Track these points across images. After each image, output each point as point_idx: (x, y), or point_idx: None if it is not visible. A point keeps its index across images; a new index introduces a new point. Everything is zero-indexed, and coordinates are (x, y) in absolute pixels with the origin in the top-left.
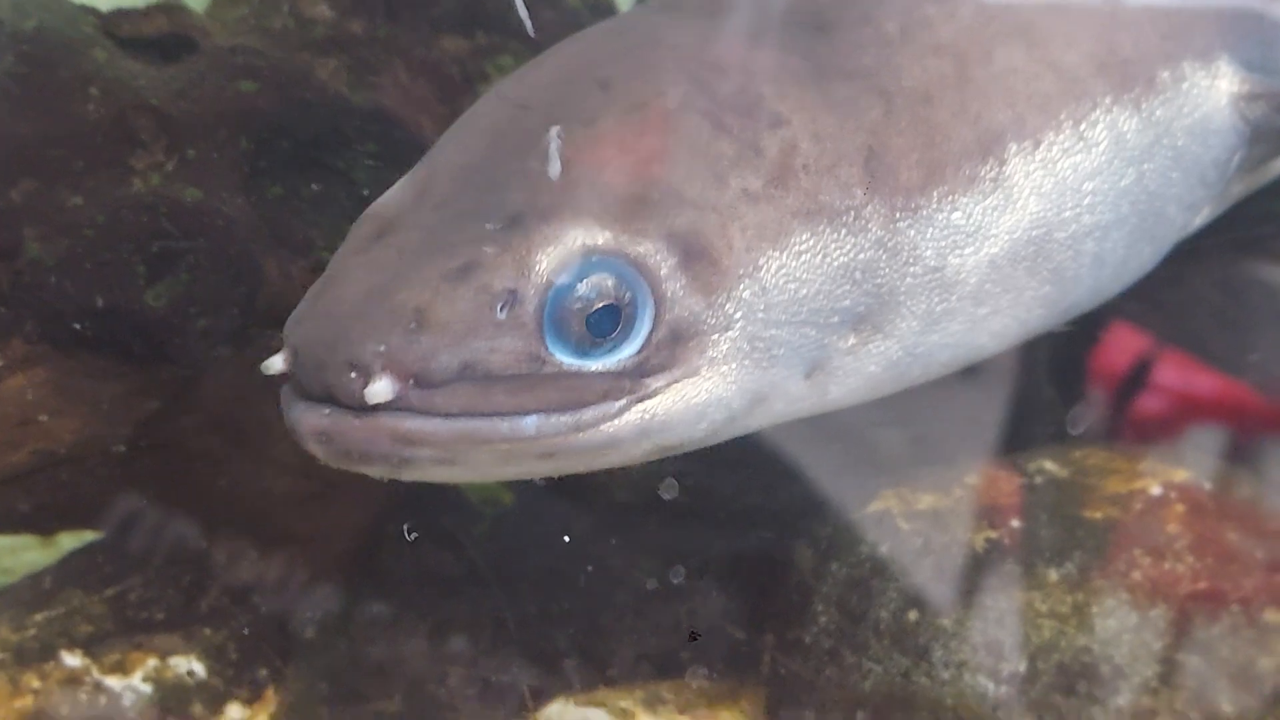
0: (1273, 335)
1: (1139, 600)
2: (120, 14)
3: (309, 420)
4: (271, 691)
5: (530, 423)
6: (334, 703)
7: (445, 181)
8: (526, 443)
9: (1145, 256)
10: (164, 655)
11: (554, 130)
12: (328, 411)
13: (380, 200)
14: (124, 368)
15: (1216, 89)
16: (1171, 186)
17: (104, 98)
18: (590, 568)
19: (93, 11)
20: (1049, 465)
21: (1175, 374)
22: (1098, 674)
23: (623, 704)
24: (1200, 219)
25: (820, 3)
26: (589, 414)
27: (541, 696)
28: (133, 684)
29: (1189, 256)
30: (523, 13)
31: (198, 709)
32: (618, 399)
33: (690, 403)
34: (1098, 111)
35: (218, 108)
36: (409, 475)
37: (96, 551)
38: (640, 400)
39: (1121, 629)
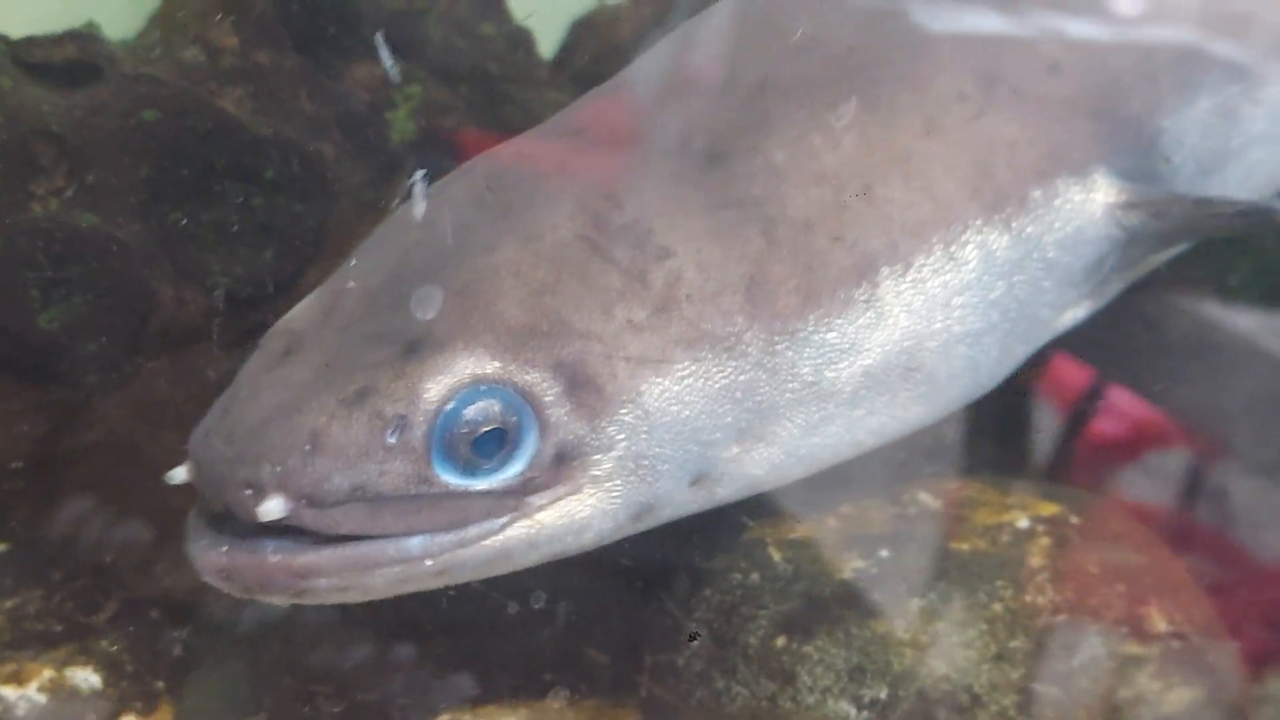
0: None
1: (997, 631)
2: (31, 41)
3: (209, 559)
4: (166, 704)
5: (416, 543)
6: (219, 717)
7: (352, 301)
8: (414, 563)
9: (1019, 354)
10: (60, 666)
11: (420, 173)
12: (225, 549)
13: (289, 315)
14: (18, 387)
15: (1092, 201)
16: (1043, 294)
17: (6, 123)
18: (470, 593)
19: (1, 38)
20: (923, 496)
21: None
22: (956, 702)
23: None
24: (1082, 312)
25: (715, 132)
26: (472, 531)
27: (417, 714)
28: (28, 694)
29: None
30: (386, 61)
31: (92, 719)
32: (501, 516)
33: (575, 518)
34: (969, 233)
35: (119, 135)
36: (310, 602)
37: None
38: (525, 516)
39: (981, 659)
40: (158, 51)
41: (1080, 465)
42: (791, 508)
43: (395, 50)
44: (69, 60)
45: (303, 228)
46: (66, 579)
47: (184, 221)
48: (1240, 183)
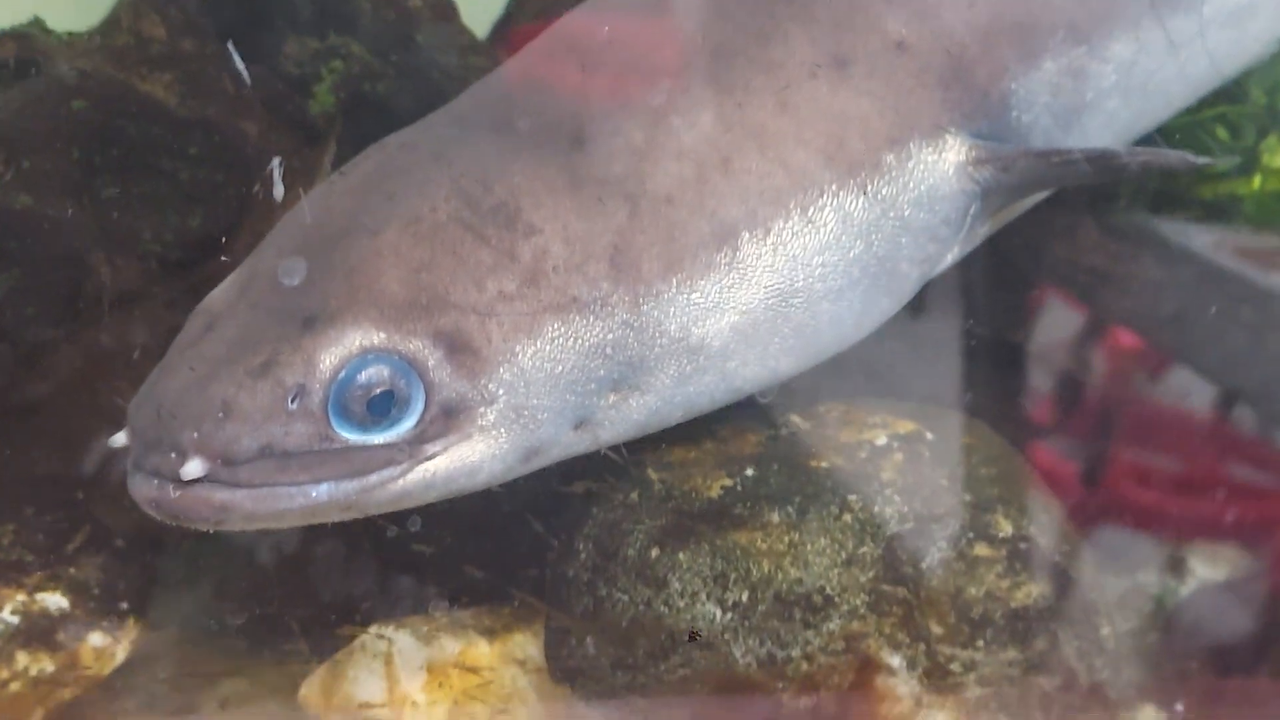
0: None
1: (847, 540)
2: None
3: (143, 491)
4: (132, 621)
5: (323, 490)
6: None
7: (261, 281)
8: (322, 506)
9: (884, 307)
10: (32, 591)
11: (275, 161)
12: (156, 484)
13: (211, 295)
14: None
15: (944, 160)
16: (901, 249)
17: None
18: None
19: None
20: (795, 419)
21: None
22: (811, 603)
23: (424, 629)
24: (950, 259)
25: (579, 118)
26: (373, 478)
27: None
28: (1, 616)
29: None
30: (239, 66)
31: (61, 636)
32: (400, 464)
33: (466, 461)
34: (825, 197)
35: (52, 124)
36: (229, 528)
37: None
38: (421, 463)
39: (832, 564)
40: (95, 41)
41: None
42: (674, 433)
43: (333, 23)
44: (9, 57)
45: (226, 196)
46: (38, 513)
47: (116, 195)
48: (1100, 131)
